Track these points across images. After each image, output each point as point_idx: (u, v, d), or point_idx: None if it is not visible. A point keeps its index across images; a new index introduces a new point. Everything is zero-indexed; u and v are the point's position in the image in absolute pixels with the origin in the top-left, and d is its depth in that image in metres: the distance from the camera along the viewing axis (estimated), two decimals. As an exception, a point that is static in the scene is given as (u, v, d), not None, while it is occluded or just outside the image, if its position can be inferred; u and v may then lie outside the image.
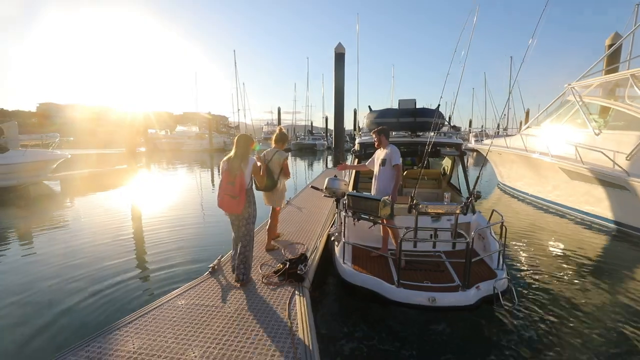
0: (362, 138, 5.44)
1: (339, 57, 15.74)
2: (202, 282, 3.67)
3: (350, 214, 3.91)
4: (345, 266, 3.82)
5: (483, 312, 3.60)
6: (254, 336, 2.70)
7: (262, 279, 3.74)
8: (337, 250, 4.18)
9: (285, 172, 4.51)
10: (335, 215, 5.09)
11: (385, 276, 3.68)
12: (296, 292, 3.44)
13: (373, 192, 4.31)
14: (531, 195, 11.24)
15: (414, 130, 5.32)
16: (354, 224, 4.16)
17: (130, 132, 21.14)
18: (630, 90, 8.34)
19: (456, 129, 5.28)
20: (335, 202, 4.60)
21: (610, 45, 15.02)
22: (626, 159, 7.68)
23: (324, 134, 58.41)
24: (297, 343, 2.60)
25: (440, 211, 3.28)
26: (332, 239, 4.44)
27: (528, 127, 11.91)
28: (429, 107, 5.94)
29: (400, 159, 4.02)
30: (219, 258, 4.19)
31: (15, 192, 11.01)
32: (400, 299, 3.30)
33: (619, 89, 9.80)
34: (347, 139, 36.08)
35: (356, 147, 5.49)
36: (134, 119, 25.75)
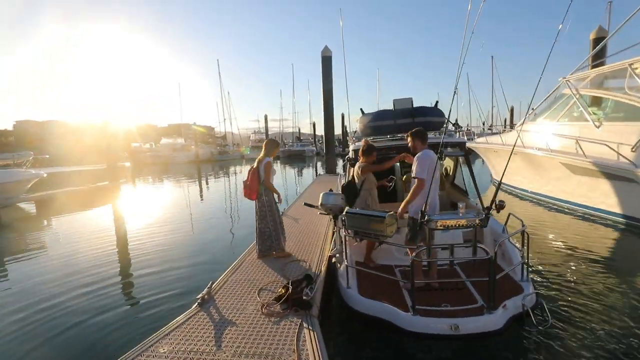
0: (357, 144, 4.96)
1: (326, 61, 15.33)
2: (190, 318, 3.07)
3: (351, 233, 3.41)
4: (350, 292, 3.31)
5: (511, 333, 3.08)
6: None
7: (261, 308, 3.16)
8: (340, 273, 3.66)
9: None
10: (335, 232, 4.57)
11: (397, 301, 3.18)
12: (304, 323, 2.88)
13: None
14: (531, 192, 10.95)
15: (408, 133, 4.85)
16: (357, 242, 3.65)
17: (111, 147, 20.20)
18: (629, 81, 8.13)
19: (458, 126, 4.85)
20: (332, 220, 4.05)
21: (595, 39, 15.08)
22: (632, 151, 7.42)
23: (312, 140, 58.14)
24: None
25: (459, 223, 2.78)
26: (334, 260, 3.92)
27: (524, 122, 11.68)
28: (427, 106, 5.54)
29: (426, 170, 3.31)
30: (209, 286, 3.59)
31: (-16, 217, 10.11)
32: (417, 329, 2.80)
33: (607, 80, 9.67)
34: (336, 143, 35.79)
35: (350, 154, 5.01)
36: (115, 133, 24.80)
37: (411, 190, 3.36)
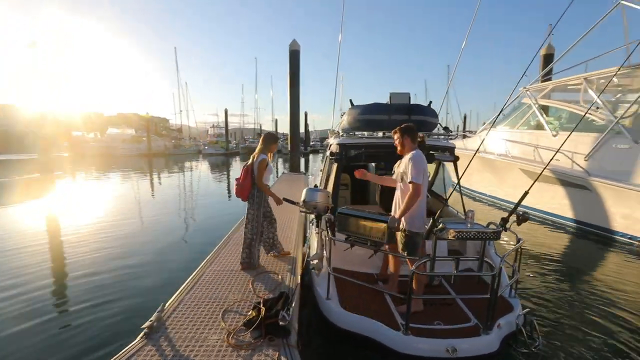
0: (343, 139, 4.50)
1: (294, 55, 14.72)
2: (134, 355, 2.40)
3: (340, 237, 2.98)
4: (330, 304, 2.92)
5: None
6: None
7: (227, 338, 2.58)
8: (317, 280, 3.25)
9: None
10: (311, 234, 4.09)
11: (383, 315, 2.84)
12: (281, 357, 2.36)
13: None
14: (489, 196, 11.40)
15: None
16: (348, 249, 3.20)
17: (47, 135, 17.80)
18: (584, 94, 8.64)
19: (449, 130, 4.58)
20: (314, 220, 3.56)
21: (546, 55, 16.22)
22: (584, 159, 7.88)
23: (274, 138, 57.04)
24: None
25: (477, 233, 2.46)
26: (312, 267, 3.45)
27: (484, 129, 12.10)
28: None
29: (421, 175, 2.88)
30: (159, 309, 2.90)
31: None
32: (410, 351, 2.48)
33: (553, 93, 10.30)
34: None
35: (334, 148, 4.54)
36: (52, 119, 21.99)
37: (406, 198, 2.89)
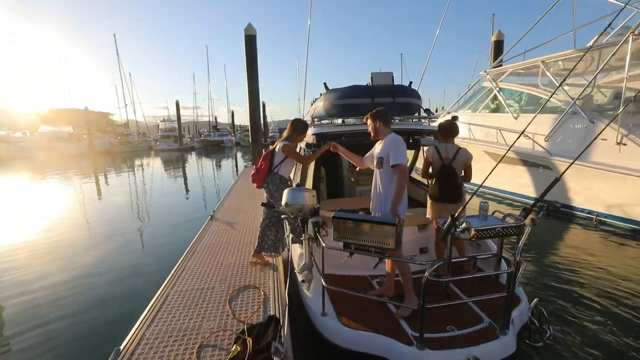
0: (319, 128, 4.01)
1: (250, 40, 13.72)
2: None
3: (334, 244, 2.54)
4: (328, 322, 2.54)
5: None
6: None
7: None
8: (309, 295, 2.83)
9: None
10: (293, 239, 3.60)
11: (389, 328, 2.48)
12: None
13: (372, 205, 2.98)
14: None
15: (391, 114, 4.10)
16: (348, 258, 2.77)
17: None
18: (542, 76, 8.93)
19: (431, 113, 4.26)
20: (298, 225, 3.04)
21: (497, 41, 16.88)
22: (545, 140, 8.17)
23: (232, 130, 54.74)
24: None
25: (500, 229, 2.14)
26: (301, 279, 2.99)
27: (448, 112, 12.25)
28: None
29: (405, 156, 2.73)
30: (112, 356, 2.26)
31: None
32: None
33: (504, 76, 10.63)
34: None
35: (309, 139, 4.05)
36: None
37: (397, 184, 2.65)
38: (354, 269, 3.43)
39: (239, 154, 31.93)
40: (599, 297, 3.87)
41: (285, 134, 3.73)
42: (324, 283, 2.57)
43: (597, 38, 8.27)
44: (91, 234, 7.26)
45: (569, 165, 2.26)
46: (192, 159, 28.75)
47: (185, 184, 14.61)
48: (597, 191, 7.17)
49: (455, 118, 3.67)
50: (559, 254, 5.43)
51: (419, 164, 5.17)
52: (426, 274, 2.11)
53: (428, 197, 3.52)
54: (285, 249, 4.09)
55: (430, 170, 3.50)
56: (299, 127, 3.72)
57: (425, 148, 3.63)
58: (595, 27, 10.49)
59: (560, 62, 8.77)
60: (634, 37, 6.63)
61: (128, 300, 4.07)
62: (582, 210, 7.49)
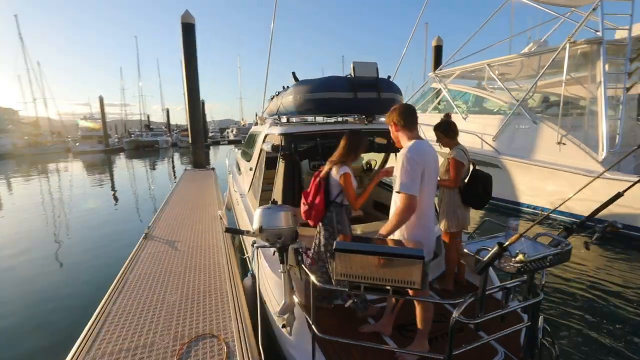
0: (286, 127, 3.34)
1: (188, 29, 12.29)
2: None
3: (340, 284, 1.91)
4: None
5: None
6: None
7: None
8: (294, 345, 2.23)
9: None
10: (262, 269, 2.89)
11: None
12: None
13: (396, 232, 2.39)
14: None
15: (370, 113, 3.48)
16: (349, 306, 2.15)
17: None
18: (488, 78, 9.29)
19: None
20: (276, 253, 2.33)
21: (436, 46, 17.78)
22: (493, 140, 8.49)
23: (167, 129, 50.49)
24: None
25: (549, 258, 1.72)
26: (281, 323, 2.31)
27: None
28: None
29: (415, 180, 2.02)
30: None
31: None
32: None
33: (451, 78, 11.09)
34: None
35: (274, 140, 3.37)
36: None
37: (394, 213, 2.06)
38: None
39: (176, 156, 29.36)
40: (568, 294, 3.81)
41: (338, 153, 2.64)
42: (316, 331, 1.94)
43: (532, 45, 8.84)
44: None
45: (634, 183, 1.87)
46: (120, 161, 25.59)
47: (114, 191, 12.65)
48: (540, 188, 7.58)
49: (448, 116, 3.31)
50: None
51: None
52: (455, 314, 1.62)
53: (454, 205, 3.08)
54: (248, 278, 3.34)
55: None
56: (354, 143, 2.64)
57: (451, 152, 3.15)
58: (540, 32, 11.41)
59: (497, 67, 9.24)
60: (570, 44, 7.09)
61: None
62: (528, 206, 7.88)
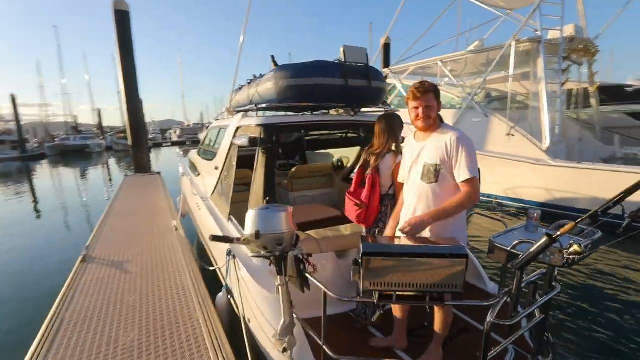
0: (264, 118, 2.89)
1: (122, 17, 10.89)
2: None
3: (370, 296, 1.55)
4: None
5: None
6: None
7: None
8: None
9: None
10: (245, 282, 2.44)
11: None
12: None
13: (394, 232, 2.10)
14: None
15: (359, 103, 3.11)
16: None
17: None
18: (440, 74, 9.62)
19: (386, 104, 3.61)
20: (272, 262, 1.90)
21: (385, 44, 18.25)
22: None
23: (100, 132, 45.55)
24: None
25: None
26: (281, 348, 1.91)
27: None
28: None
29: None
30: None
31: None
32: None
33: (405, 74, 11.40)
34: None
35: (251, 132, 2.91)
36: None
37: (457, 204, 1.85)
38: (331, 305, 2.52)
39: (112, 161, 26.54)
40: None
41: (383, 141, 2.39)
42: (330, 353, 1.60)
43: (479, 43, 9.34)
44: None
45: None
46: (42, 170, 22.31)
47: (35, 206, 10.81)
48: (493, 177, 8.02)
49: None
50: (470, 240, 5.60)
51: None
52: (489, 317, 1.42)
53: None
54: (222, 294, 2.83)
55: None
56: (394, 124, 2.43)
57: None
58: (478, 31, 12.11)
59: (449, 63, 9.63)
60: (515, 42, 7.56)
61: None
62: (483, 195, 8.30)
